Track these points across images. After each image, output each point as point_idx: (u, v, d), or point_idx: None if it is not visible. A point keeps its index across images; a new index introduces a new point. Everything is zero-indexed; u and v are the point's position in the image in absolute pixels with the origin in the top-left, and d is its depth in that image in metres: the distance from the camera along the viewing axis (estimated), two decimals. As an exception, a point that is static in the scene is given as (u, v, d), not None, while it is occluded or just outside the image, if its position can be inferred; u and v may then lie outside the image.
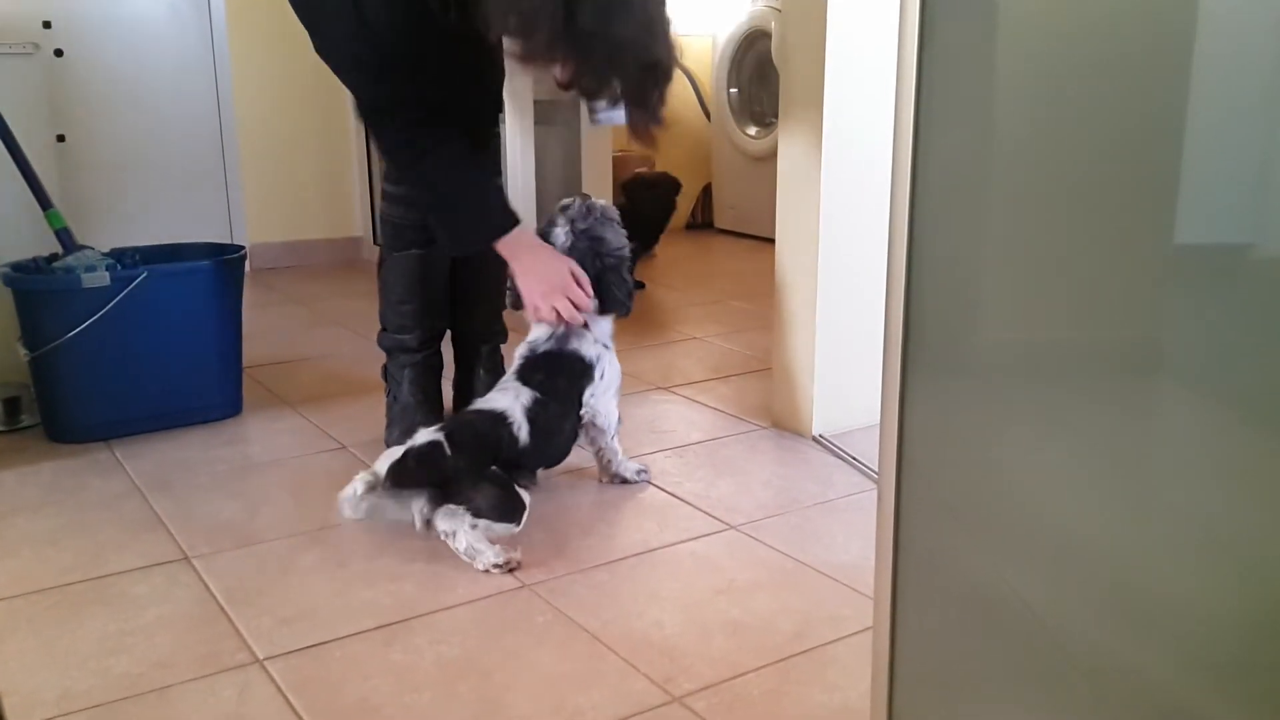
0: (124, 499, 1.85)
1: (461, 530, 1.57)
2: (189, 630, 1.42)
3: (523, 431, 1.70)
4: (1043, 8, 0.80)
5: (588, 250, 1.83)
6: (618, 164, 3.01)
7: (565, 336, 1.81)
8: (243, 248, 2.32)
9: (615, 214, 1.88)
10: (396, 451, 1.63)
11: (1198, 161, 0.70)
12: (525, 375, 1.79)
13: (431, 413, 2.09)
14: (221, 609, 1.48)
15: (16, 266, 2.12)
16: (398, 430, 2.03)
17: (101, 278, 2.06)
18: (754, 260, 4.00)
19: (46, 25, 3.30)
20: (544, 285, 1.79)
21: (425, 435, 1.65)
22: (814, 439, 2.11)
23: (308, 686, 1.29)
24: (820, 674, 1.31)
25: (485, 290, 2.14)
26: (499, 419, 1.70)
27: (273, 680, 1.31)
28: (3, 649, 1.38)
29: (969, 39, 0.83)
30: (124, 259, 2.19)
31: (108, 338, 2.08)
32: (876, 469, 1.93)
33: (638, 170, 3.96)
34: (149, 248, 2.31)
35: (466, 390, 2.19)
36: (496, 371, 2.15)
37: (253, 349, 2.51)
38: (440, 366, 2.15)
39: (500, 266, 1.88)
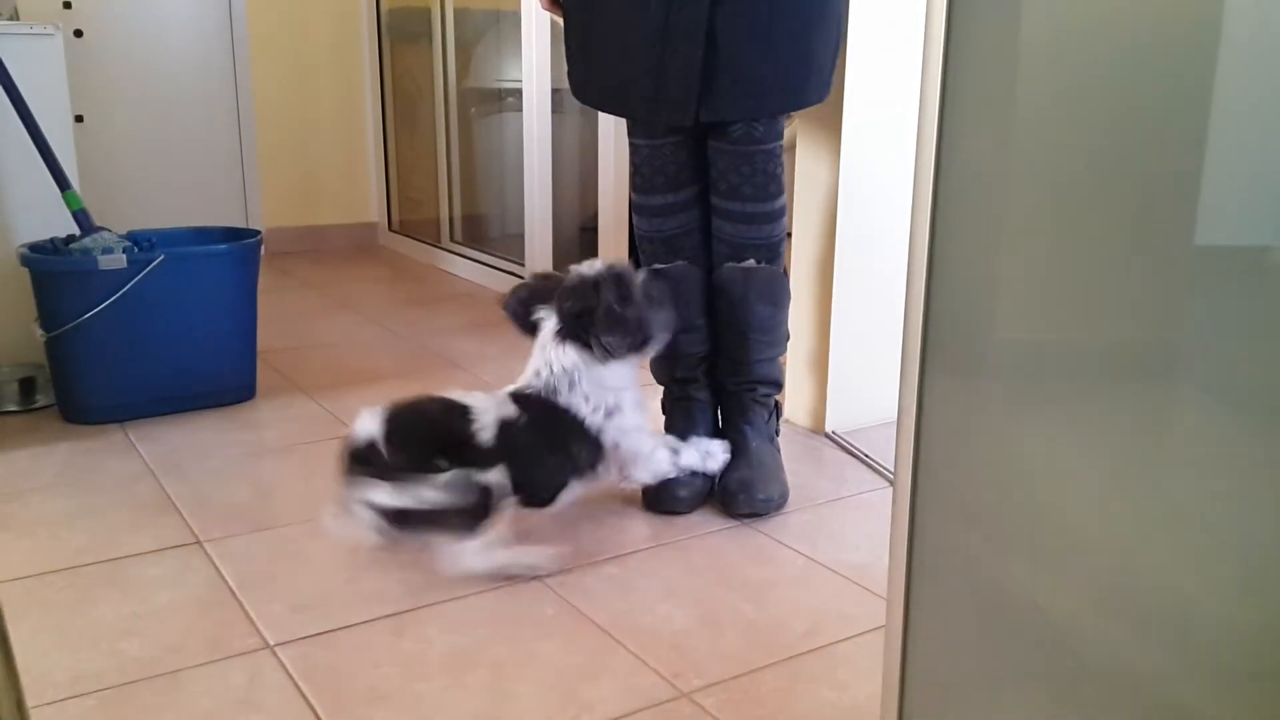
0: (137, 481, 1.86)
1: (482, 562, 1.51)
2: (200, 614, 1.43)
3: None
4: (1068, 10, 0.79)
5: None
6: (634, 155, 3.00)
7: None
8: (259, 232, 2.32)
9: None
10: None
11: (1219, 164, 0.70)
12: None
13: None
14: (233, 594, 1.48)
15: (34, 247, 2.12)
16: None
17: (118, 260, 2.07)
18: (769, 253, 3.99)
19: (67, 5, 3.31)
20: None
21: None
22: (827, 436, 2.10)
23: (318, 673, 1.30)
24: (830, 672, 1.31)
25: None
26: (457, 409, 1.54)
27: (283, 666, 1.31)
28: (16, 630, 1.39)
29: (995, 40, 0.82)
30: (141, 242, 2.20)
31: (124, 320, 2.09)
32: (889, 467, 1.93)
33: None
34: (166, 231, 2.32)
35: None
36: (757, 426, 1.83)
37: (267, 333, 2.52)
38: (712, 400, 1.87)
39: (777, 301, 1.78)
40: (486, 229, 3.81)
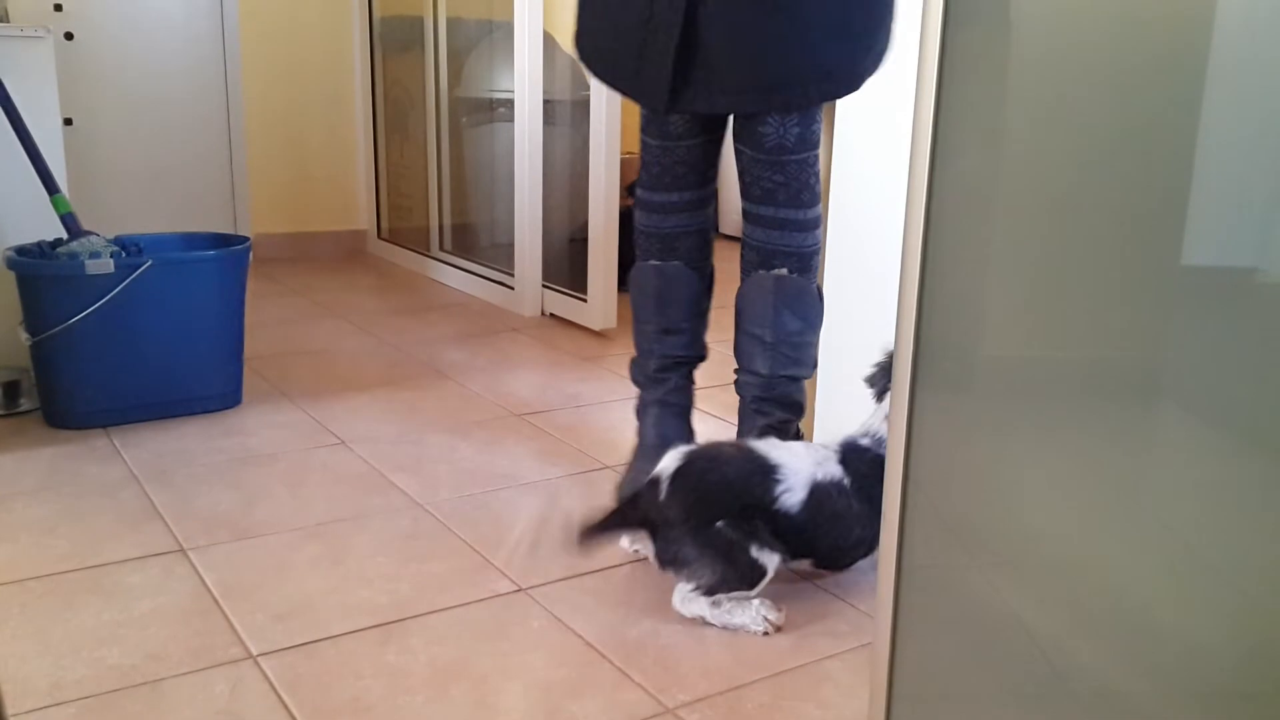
0: (121, 487, 1.85)
1: (708, 615, 1.43)
2: (183, 623, 1.42)
3: (793, 498, 1.46)
4: (1058, 35, 0.80)
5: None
6: (625, 166, 3.01)
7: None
8: (247, 239, 2.31)
9: None
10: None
11: (1207, 185, 0.70)
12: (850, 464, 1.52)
13: None
14: (216, 602, 1.47)
15: (21, 251, 2.11)
16: (630, 475, 1.79)
17: (106, 265, 2.06)
18: (758, 267, 3.99)
19: (58, 8, 3.30)
20: None
21: (670, 461, 1.48)
22: (814, 450, 2.10)
23: (300, 684, 1.29)
24: (815, 689, 1.31)
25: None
26: (763, 468, 1.46)
27: (265, 677, 1.30)
28: (-5, 636, 1.38)
29: (987, 64, 0.83)
30: (128, 246, 2.19)
31: (110, 325, 2.07)
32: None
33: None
34: (154, 236, 2.31)
35: None
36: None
37: (254, 340, 2.51)
38: (688, 406, 1.85)
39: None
40: (476, 238, 3.81)
